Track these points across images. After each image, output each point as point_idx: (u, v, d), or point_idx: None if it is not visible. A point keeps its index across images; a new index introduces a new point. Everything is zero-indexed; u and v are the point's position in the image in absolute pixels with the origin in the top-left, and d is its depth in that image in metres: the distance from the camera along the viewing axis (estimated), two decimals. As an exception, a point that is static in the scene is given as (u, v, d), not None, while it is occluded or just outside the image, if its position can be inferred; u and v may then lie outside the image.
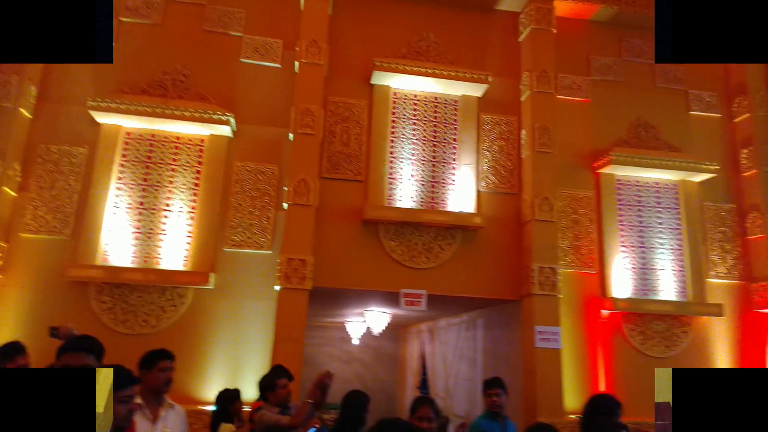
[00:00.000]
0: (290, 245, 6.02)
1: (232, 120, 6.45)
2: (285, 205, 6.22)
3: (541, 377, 6.15)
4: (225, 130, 6.48)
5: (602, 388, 6.48)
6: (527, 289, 6.49)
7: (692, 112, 7.70)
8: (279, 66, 6.90)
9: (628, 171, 7.18)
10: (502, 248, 6.80)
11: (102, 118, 6.30)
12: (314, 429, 3.72)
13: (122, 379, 2.22)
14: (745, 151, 7.47)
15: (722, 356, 6.94)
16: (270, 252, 6.30)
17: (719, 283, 7.15)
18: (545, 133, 6.85)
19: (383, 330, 9.61)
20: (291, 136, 6.43)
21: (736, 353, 7.00)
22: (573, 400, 6.29)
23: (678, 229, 7.20)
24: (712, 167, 7.20)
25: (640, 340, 6.80)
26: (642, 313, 6.81)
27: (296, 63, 6.66)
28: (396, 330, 12.18)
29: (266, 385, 3.90)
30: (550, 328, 6.30)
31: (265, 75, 6.88)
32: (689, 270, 7.05)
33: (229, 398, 4.64)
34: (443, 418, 8.34)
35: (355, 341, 11.18)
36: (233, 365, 6.00)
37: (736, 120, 7.66)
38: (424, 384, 10.16)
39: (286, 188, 6.25)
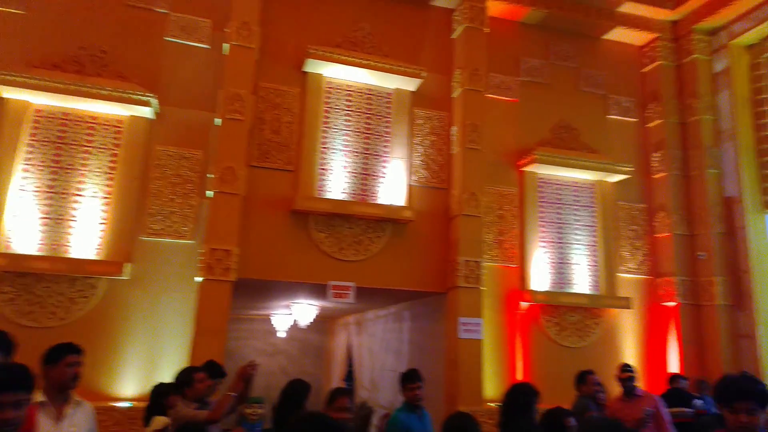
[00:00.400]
0: (214, 235, 5.81)
1: (154, 101, 6.12)
2: (210, 193, 5.99)
3: (462, 367, 6.32)
4: (146, 112, 6.13)
5: (520, 377, 6.75)
6: (453, 281, 6.64)
7: (610, 116, 8.13)
8: (207, 47, 6.61)
9: (550, 170, 7.49)
10: (430, 242, 6.90)
11: (8, 92, 5.77)
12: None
13: None
14: (657, 154, 8.00)
15: (629, 346, 7.43)
16: (192, 242, 6.05)
17: (629, 278, 7.63)
18: (475, 131, 7.01)
19: (310, 322, 9.53)
20: (218, 121, 6.19)
21: (641, 343, 7.51)
22: (492, 388, 6.51)
23: (593, 226, 7.60)
24: (626, 169, 7.65)
25: (556, 331, 7.14)
26: (558, 305, 7.16)
27: (226, 45, 6.41)
28: (323, 322, 12.11)
29: (183, 380, 3.74)
30: (473, 320, 6.48)
31: (191, 56, 6.57)
32: (602, 265, 7.48)
33: (162, 392, 4.43)
34: (367, 409, 8.41)
35: (281, 334, 11.01)
36: (149, 360, 5.72)
37: (649, 125, 8.18)
38: (349, 376, 10.18)
39: (211, 175, 6.01)
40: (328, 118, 6.84)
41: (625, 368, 5.28)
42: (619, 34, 8.24)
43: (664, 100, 8.06)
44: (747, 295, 7.20)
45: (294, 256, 6.39)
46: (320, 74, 6.84)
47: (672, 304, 7.49)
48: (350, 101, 6.99)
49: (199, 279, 5.74)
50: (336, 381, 10.89)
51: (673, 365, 7.29)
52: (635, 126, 8.23)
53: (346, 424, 3.17)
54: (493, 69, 7.56)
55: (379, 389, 8.92)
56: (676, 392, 6.40)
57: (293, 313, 9.29)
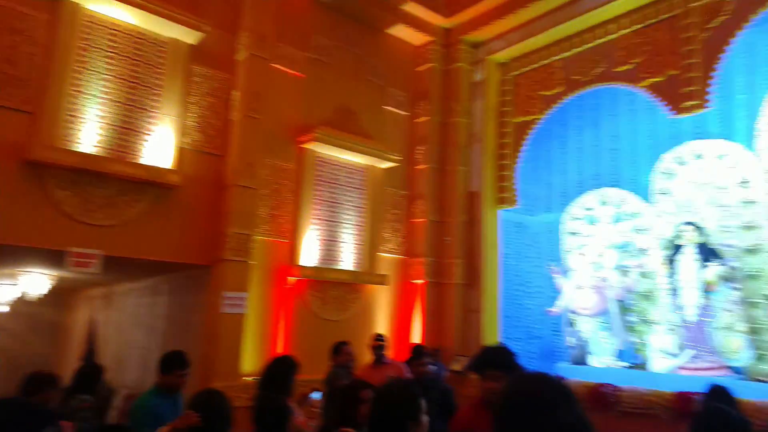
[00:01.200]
0: None
1: None
2: None
3: (222, 342, 6.13)
4: None
5: (280, 350, 6.81)
6: (220, 254, 6.34)
7: (385, 107, 8.66)
8: None
9: (328, 150, 7.66)
10: (199, 210, 6.46)
11: None
12: None
13: None
14: (420, 148, 8.81)
15: (382, 319, 8.10)
16: None
17: (387, 257, 8.30)
18: (257, 99, 6.76)
19: (43, 295, 8.18)
20: None
21: (392, 316, 8.25)
22: (251, 363, 6.44)
23: (362, 207, 8.05)
24: (395, 157, 8.25)
25: (319, 305, 7.39)
26: (323, 281, 7.41)
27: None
28: (61, 295, 10.51)
29: None
30: (237, 294, 6.30)
31: None
32: (366, 244, 7.98)
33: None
34: (108, 390, 7.58)
35: (3, 308, 9.21)
36: None
37: (417, 120, 8.96)
38: (90, 354, 9.07)
39: None
40: (84, 57, 5.83)
41: (378, 338, 5.78)
42: (400, 31, 8.80)
43: (431, 100, 8.89)
44: (477, 275, 8.44)
45: (25, 215, 5.33)
46: (77, 3, 5.77)
47: (420, 281, 8.38)
48: (115, 43, 6.07)
49: None
50: (73, 361, 9.61)
51: (417, 336, 8.20)
52: (406, 119, 8.92)
53: (47, 409, 2.75)
54: (282, 39, 7.37)
55: (125, 368, 8.13)
56: (417, 360, 7.20)
57: (20, 284, 7.85)
